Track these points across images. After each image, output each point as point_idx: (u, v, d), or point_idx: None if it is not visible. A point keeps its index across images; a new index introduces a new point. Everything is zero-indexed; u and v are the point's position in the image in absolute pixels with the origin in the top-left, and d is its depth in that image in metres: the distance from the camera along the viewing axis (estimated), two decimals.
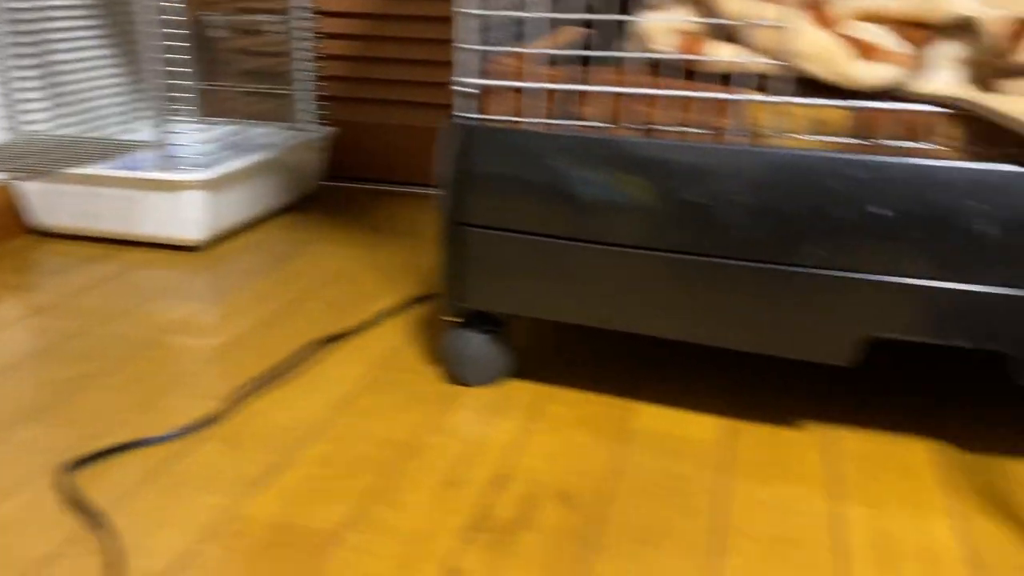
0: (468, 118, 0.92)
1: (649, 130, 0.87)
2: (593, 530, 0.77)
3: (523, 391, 1.01)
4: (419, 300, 1.27)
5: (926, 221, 0.80)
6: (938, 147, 0.81)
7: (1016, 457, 0.90)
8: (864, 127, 0.82)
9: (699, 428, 0.95)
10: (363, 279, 1.36)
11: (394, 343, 1.13)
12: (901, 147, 0.81)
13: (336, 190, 1.84)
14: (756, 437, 0.93)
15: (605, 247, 0.89)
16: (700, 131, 0.86)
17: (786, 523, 0.79)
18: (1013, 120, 0.77)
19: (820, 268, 0.83)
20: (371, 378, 1.04)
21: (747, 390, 1.04)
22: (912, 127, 0.81)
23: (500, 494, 0.82)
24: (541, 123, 0.90)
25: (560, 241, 0.90)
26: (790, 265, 0.84)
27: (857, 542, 0.77)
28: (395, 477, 0.84)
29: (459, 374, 1.01)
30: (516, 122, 0.91)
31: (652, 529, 0.78)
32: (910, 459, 0.90)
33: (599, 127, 0.89)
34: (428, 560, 0.73)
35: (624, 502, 0.81)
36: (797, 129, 0.84)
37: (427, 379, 1.04)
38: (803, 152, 0.83)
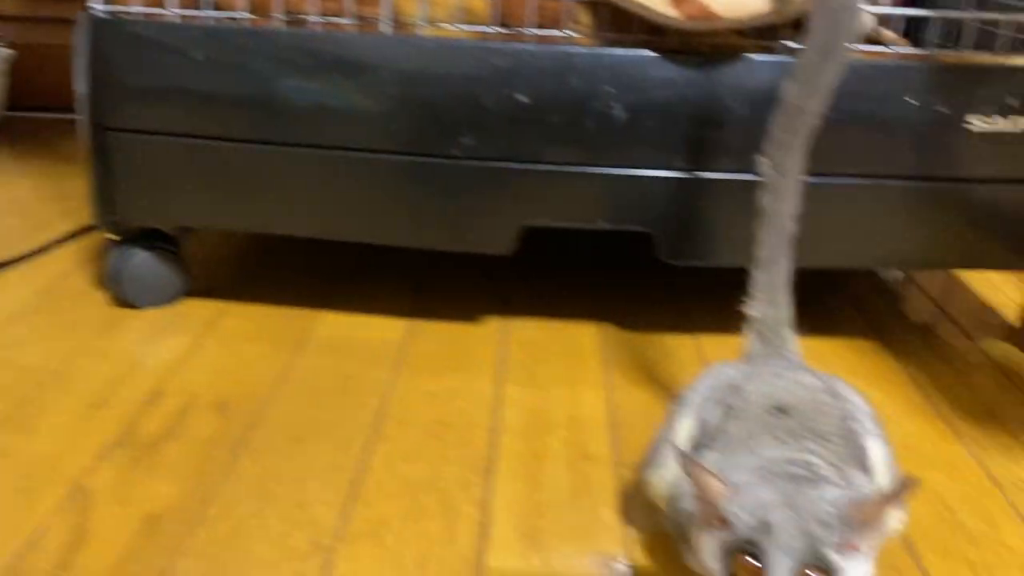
0: (101, 10, 0.84)
1: (298, 20, 0.84)
2: (245, 434, 0.75)
3: (198, 308, 0.96)
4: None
5: (566, 107, 0.82)
6: (575, 34, 0.83)
7: (665, 332, 0.97)
8: (507, 15, 0.83)
9: (382, 330, 0.95)
10: (40, 209, 1.24)
11: (63, 270, 1.04)
12: (541, 35, 0.83)
13: (23, 120, 1.66)
14: (436, 334, 0.94)
15: (257, 145, 0.85)
16: (348, 21, 0.84)
17: (448, 409, 0.80)
18: (640, 6, 0.80)
19: (472, 159, 0.84)
20: (30, 307, 0.95)
21: (431, 291, 1.05)
22: (551, 15, 0.83)
23: (150, 410, 0.77)
24: (181, 14, 0.84)
25: (206, 141, 0.85)
26: (444, 157, 0.84)
27: (512, 418, 0.79)
28: (34, 404, 0.77)
29: (125, 295, 0.94)
30: (156, 14, 0.84)
31: (311, 427, 0.76)
32: (576, 342, 0.94)
33: (244, 18, 0.84)
34: (55, 482, 0.67)
35: (286, 405, 0.79)
36: (443, 18, 0.83)
37: (94, 304, 0.96)
38: (449, 41, 0.82)
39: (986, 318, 1.05)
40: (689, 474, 0.49)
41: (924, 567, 0.63)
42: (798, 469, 0.52)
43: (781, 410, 0.57)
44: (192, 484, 0.68)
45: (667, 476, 0.62)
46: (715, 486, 0.48)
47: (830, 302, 1.07)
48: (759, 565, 0.46)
